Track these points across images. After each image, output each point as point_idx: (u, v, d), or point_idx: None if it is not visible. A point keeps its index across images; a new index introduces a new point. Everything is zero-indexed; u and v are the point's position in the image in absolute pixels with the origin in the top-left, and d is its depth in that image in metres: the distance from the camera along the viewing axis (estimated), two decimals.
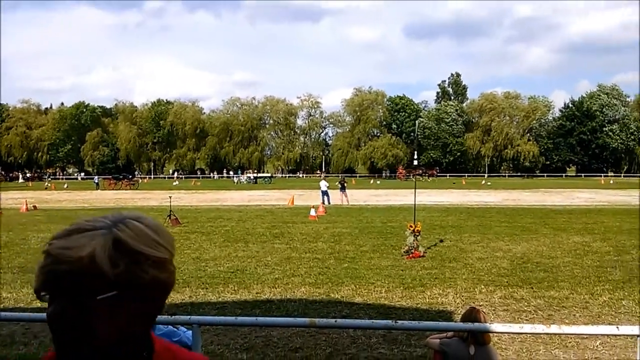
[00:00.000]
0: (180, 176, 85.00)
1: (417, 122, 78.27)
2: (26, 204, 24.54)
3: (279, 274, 9.95)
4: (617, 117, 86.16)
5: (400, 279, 9.37)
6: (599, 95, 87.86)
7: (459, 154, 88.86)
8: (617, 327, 3.81)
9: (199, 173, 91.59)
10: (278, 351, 5.92)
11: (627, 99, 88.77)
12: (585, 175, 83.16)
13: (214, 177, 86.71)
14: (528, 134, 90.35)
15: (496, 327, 4.11)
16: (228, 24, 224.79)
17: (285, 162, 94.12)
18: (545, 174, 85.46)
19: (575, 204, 27.71)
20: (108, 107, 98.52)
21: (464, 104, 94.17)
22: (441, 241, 13.68)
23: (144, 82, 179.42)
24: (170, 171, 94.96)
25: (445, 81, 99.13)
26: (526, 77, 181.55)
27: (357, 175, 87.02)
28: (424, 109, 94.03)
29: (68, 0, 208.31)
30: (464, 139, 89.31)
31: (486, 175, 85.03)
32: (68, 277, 0.88)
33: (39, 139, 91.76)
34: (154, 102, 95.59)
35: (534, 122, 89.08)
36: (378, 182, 66.07)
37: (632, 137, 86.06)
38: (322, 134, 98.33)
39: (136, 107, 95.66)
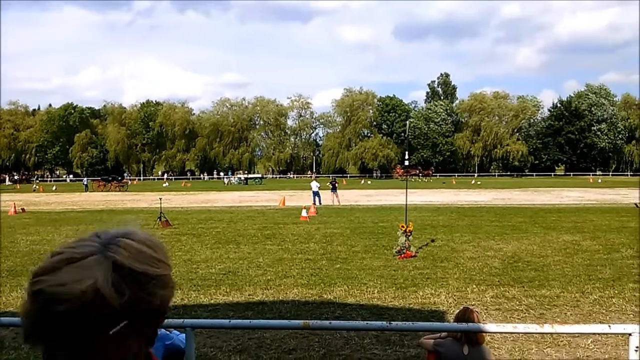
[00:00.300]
0: (170, 177, 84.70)
1: (408, 122, 78.55)
2: (14, 207, 24.29)
3: (271, 275, 9.92)
4: (605, 116, 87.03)
5: (392, 279, 9.38)
6: (587, 95, 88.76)
7: (448, 153, 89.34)
8: (609, 326, 3.83)
9: (188, 174, 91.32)
10: (271, 353, 5.90)
11: (615, 99, 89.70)
12: (573, 174, 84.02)
13: (204, 178, 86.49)
14: (517, 134, 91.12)
15: (490, 327, 4.12)
16: (218, 24, 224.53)
17: (276, 162, 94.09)
18: (534, 173, 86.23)
19: (564, 202, 27.93)
20: (97, 108, 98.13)
21: (454, 104, 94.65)
22: (432, 241, 13.71)
23: (133, 83, 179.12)
24: (160, 172, 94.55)
25: (434, 81, 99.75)
26: (515, 77, 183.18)
27: (348, 175, 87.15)
28: (413, 109, 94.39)
29: (55, 0, 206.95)
30: (454, 138, 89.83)
31: (476, 174, 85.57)
32: (70, 317, 0.76)
33: (27, 140, 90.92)
34: (143, 103, 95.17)
35: (523, 121, 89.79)
36: (369, 182, 66.19)
37: (620, 136, 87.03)
38: (313, 135, 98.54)
39: (125, 108, 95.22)
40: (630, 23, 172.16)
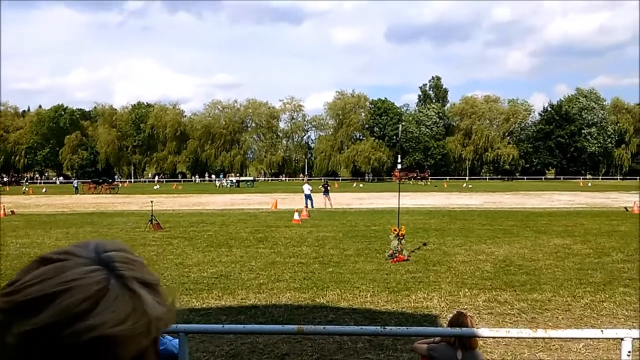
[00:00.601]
0: (161, 180, 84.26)
1: (400, 125, 78.78)
2: (4, 209, 24.07)
3: (263, 279, 9.90)
4: (595, 120, 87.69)
5: (385, 283, 9.39)
6: (578, 99, 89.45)
7: (440, 157, 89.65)
8: (602, 331, 3.86)
9: (180, 177, 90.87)
10: (264, 358, 5.88)
11: (605, 103, 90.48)
12: (564, 178, 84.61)
13: (195, 180, 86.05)
14: (508, 137, 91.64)
15: (483, 331, 4.14)
16: (209, 26, 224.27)
17: (268, 165, 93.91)
18: (525, 177, 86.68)
19: (555, 206, 28.11)
20: (87, 109, 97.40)
21: (445, 107, 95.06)
22: (425, 244, 13.75)
23: (124, 84, 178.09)
24: (151, 175, 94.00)
25: (426, 84, 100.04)
26: (506, 80, 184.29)
27: (340, 178, 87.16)
28: (405, 112, 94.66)
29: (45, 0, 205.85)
30: (445, 142, 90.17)
31: (467, 178, 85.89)
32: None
33: (17, 142, 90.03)
34: (134, 105, 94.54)
35: (514, 125, 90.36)
36: (361, 185, 66.26)
37: (610, 140, 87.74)
38: (305, 137, 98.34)
39: (116, 109, 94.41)
40: (620, 25, 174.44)
